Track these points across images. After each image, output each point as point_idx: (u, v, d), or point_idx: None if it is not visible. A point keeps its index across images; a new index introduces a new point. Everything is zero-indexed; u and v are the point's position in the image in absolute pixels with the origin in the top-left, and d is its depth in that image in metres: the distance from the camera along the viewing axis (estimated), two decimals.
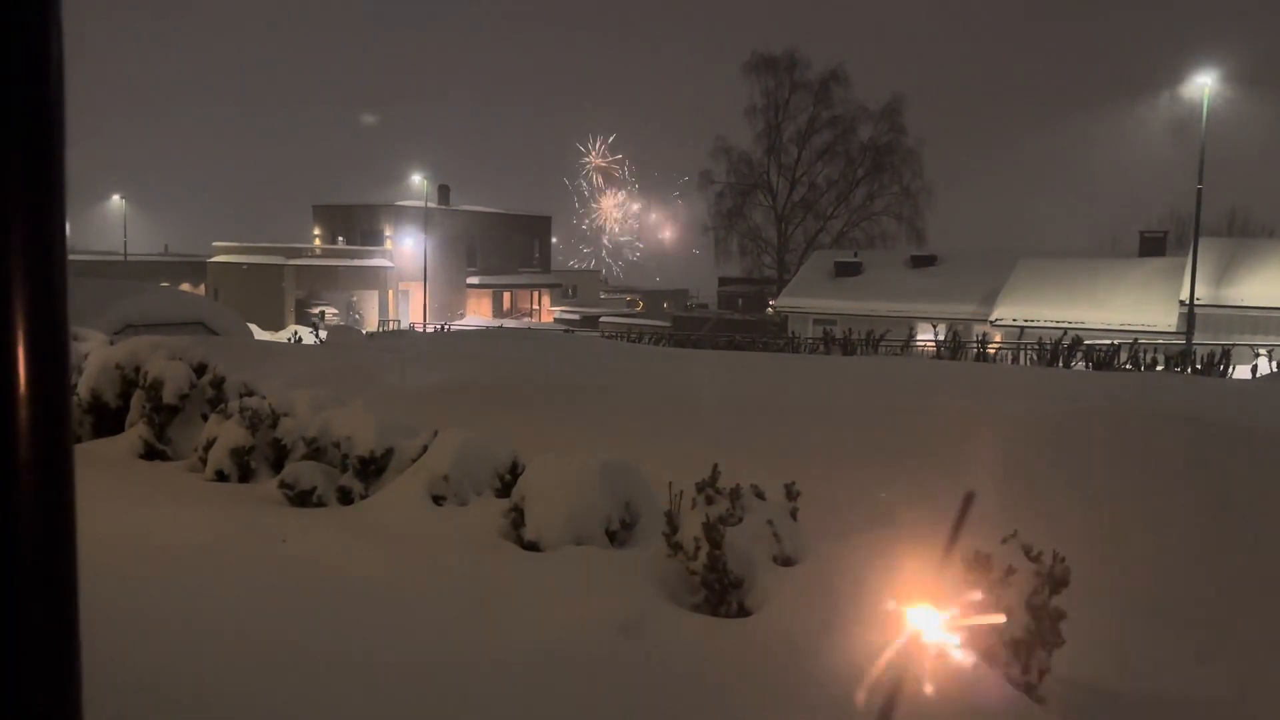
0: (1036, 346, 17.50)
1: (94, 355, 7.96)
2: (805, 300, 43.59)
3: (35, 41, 1.00)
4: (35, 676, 1.03)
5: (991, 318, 35.37)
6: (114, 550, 4.77)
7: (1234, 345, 19.15)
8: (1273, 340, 24.98)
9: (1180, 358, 17.16)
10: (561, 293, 67.02)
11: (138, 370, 7.62)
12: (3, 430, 1.00)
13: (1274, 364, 18.27)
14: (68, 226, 1.08)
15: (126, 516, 5.56)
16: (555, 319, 59.64)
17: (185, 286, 47.86)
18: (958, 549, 0.95)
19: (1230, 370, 16.31)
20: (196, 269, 55.32)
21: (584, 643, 3.98)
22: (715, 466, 4.87)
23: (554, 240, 70.36)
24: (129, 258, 59.61)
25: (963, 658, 0.98)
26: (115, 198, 69.28)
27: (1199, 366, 16.37)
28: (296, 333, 21.71)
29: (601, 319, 52.45)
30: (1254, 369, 17.16)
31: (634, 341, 22.44)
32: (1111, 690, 4.25)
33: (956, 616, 0.99)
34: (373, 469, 6.25)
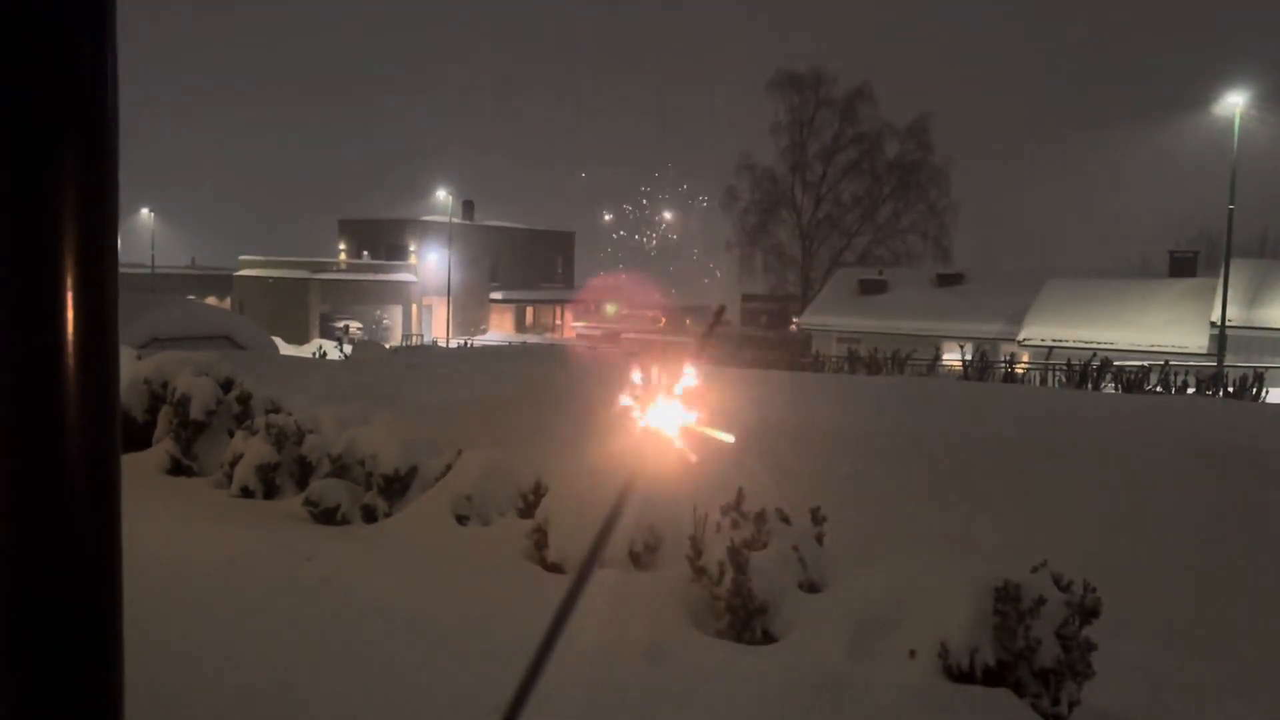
0: (1065, 368, 17.31)
1: (121, 370, 8.02)
2: (829, 318, 43.45)
3: (91, 64, 1.01)
4: (82, 685, 1.03)
5: (1019, 338, 35.08)
6: (137, 566, 4.78)
7: (1267, 368, 18.89)
8: None
9: (1212, 380, 16.93)
10: (584, 308, 67.17)
11: (165, 385, 7.67)
12: (53, 441, 1.01)
13: None
14: (119, 243, 1.09)
15: (152, 532, 5.59)
16: (577, 334, 59.75)
17: (211, 300, 48.39)
18: (705, 353, 1.04)
19: (1263, 394, 16.08)
20: (223, 282, 55.89)
21: (607, 668, 3.94)
22: (740, 490, 4.83)
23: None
24: (156, 271, 60.34)
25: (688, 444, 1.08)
26: (144, 211, 70.22)
27: (1231, 390, 16.15)
28: (321, 347, 21.85)
29: (623, 335, 52.49)
30: None
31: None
32: None
33: (695, 420, 1.07)
34: (397, 487, 6.25)
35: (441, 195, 57.14)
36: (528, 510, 5.78)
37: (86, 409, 1.05)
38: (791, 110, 61.17)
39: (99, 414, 1.06)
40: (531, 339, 52.84)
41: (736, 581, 4.41)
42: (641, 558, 5.21)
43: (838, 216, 62.48)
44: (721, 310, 1.19)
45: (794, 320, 52.75)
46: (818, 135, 61.46)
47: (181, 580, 4.74)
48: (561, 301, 65.89)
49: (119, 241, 1.10)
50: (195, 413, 7.32)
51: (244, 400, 7.53)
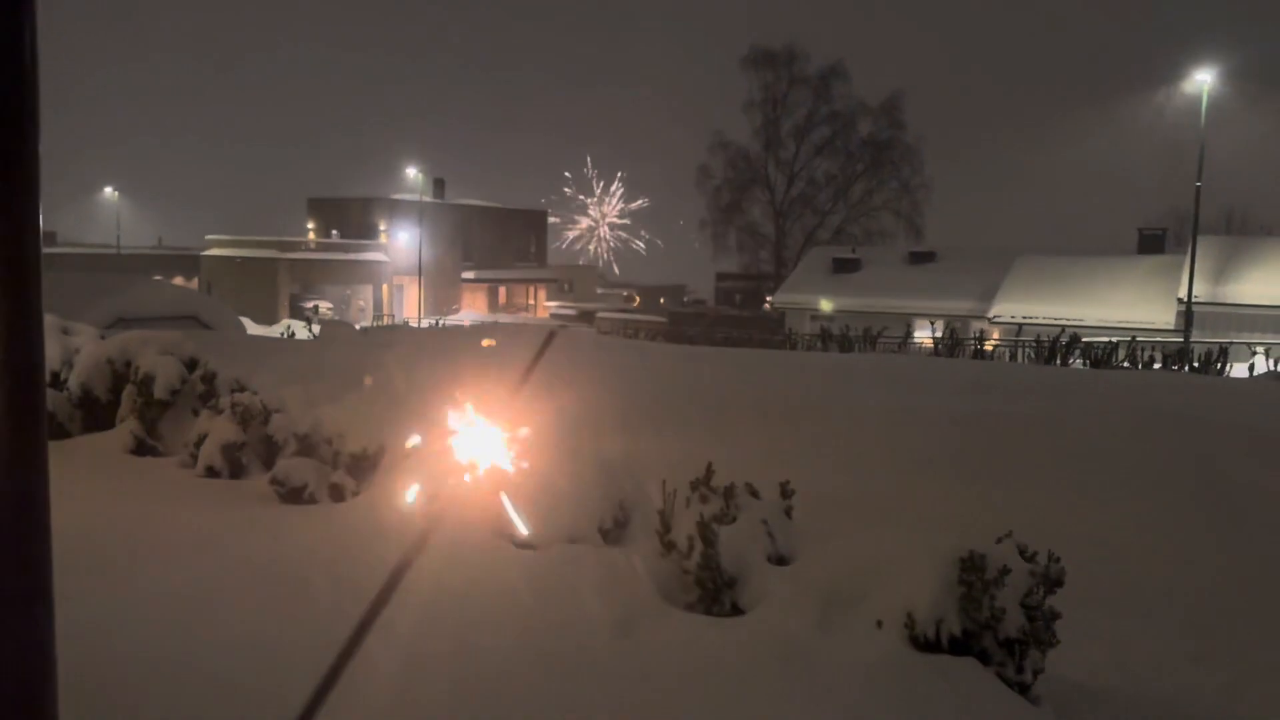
0: (1034, 344, 17.47)
1: (85, 350, 7.90)
2: (803, 296, 43.57)
3: (6, 34, 0.96)
4: (7, 675, 1.00)
5: (990, 315, 35.36)
6: (101, 548, 4.72)
7: (1231, 343, 19.15)
8: (1270, 338, 24.98)
9: (1178, 355, 17.14)
10: (558, 288, 66.94)
11: (129, 365, 7.56)
12: None
13: (1271, 362, 18.26)
14: (41, 219, 1.05)
15: (115, 512, 5.52)
16: (551, 314, 59.58)
17: (178, 280, 47.75)
18: (530, 378, 1.07)
19: (1227, 368, 16.30)
20: (190, 262, 55.18)
21: (577, 641, 3.94)
22: (709, 465, 4.83)
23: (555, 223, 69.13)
24: (122, 251, 59.47)
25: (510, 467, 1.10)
26: (108, 190, 69.13)
27: (1196, 364, 16.36)
28: (289, 327, 21.65)
29: (598, 314, 52.41)
30: (1251, 367, 17.17)
31: (630, 338, 22.39)
32: (1106, 690, 4.22)
33: (513, 437, 1.09)
34: (365, 466, 6.21)
35: (412, 173, 56.58)
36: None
37: (7, 393, 1.00)
38: (765, 88, 61.12)
39: (22, 398, 1.02)
40: (505, 319, 52.63)
41: (705, 555, 4.42)
42: (611, 533, 5.21)
43: (811, 195, 62.63)
44: (552, 335, 1.19)
45: (768, 299, 52.87)
46: (791, 113, 61.47)
47: (144, 561, 4.69)
48: (535, 281, 65.60)
49: (41, 218, 1.06)
50: (159, 392, 7.22)
51: (209, 380, 7.44)
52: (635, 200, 71.89)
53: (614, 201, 72.65)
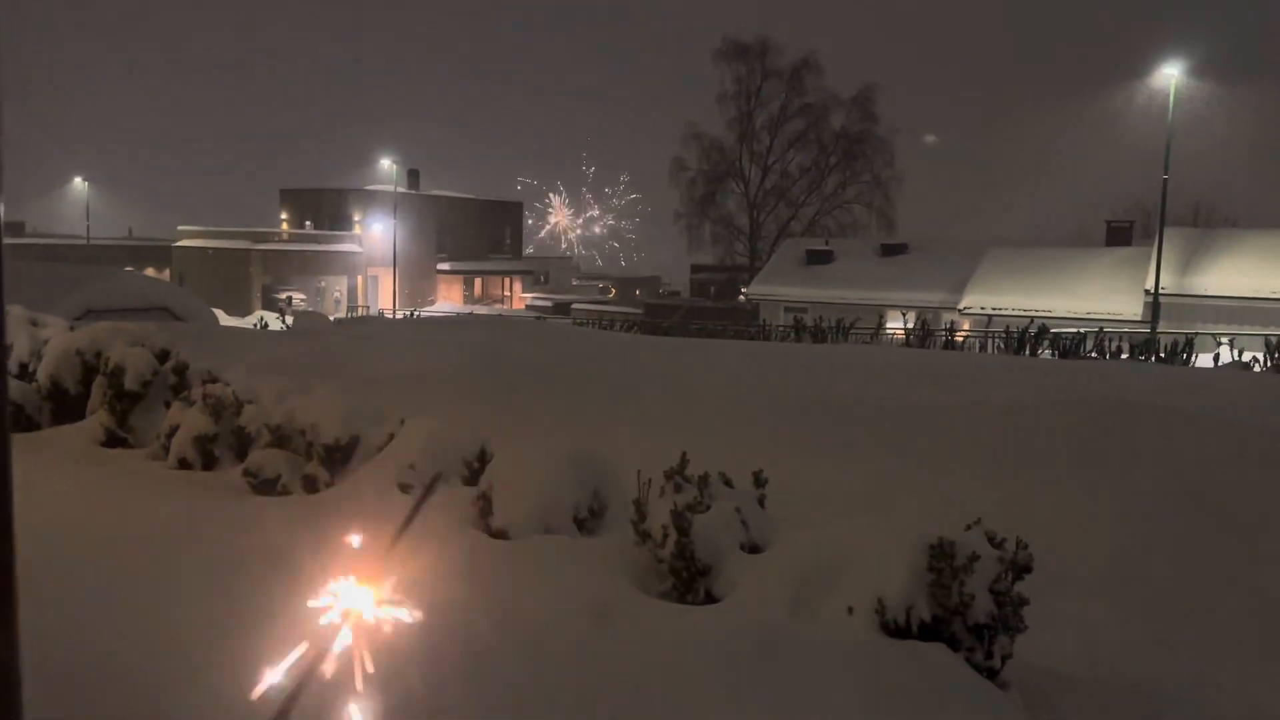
0: (1004, 335, 17.66)
1: (54, 341, 7.82)
2: (777, 288, 43.74)
3: None
4: None
5: (960, 306, 35.65)
6: (71, 541, 4.69)
7: (1197, 334, 19.44)
8: (1234, 329, 25.36)
9: (1145, 346, 17.38)
10: (533, 279, 66.74)
11: (99, 356, 7.49)
12: None
13: (1236, 352, 18.56)
14: (2, 209, 1.05)
15: (86, 504, 5.48)
16: (527, 306, 59.42)
17: (150, 271, 47.21)
18: (410, 530, 1.05)
19: (1193, 359, 16.55)
20: (161, 253, 54.54)
21: (552, 631, 3.96)
22: (683, 454, 4.86)
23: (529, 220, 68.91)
24: (92, 241, 58.69)
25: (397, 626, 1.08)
26: (78, 180, 68.17)
27: (1163, 355, 16.60)
28: (262, 319, 21.49)
29: (573, 306, 52.32)
30: (1216, 357, 17.43)
31: (606, 328, 22.39)
32: (1073, 674, 4.30)
33: (389, 597, 1.07)
34: (338, 457, 6.19)
35: (386, 164, 56.16)
36: (472, 478, 5.76)
37: None
38: (738, 80, 61.11)
39: None
40: (480, 310, 52.47)
41: (680, 544, 4.45)
42: (586, 523, 5.24)
43: (785, 187, 62.73)
44: (438, 477, 1.20)
45: (742, 290, 52.97)
46: (765, 106, 61.51)
47: (115, 554, 4.66)
48: (510, 272, 65.37)
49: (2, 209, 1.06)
50: (130, 383, 7.16)
51: (180, 371, 7.38)
52: (627, 196, 71.65)
53: (615, 198, 72.29)
